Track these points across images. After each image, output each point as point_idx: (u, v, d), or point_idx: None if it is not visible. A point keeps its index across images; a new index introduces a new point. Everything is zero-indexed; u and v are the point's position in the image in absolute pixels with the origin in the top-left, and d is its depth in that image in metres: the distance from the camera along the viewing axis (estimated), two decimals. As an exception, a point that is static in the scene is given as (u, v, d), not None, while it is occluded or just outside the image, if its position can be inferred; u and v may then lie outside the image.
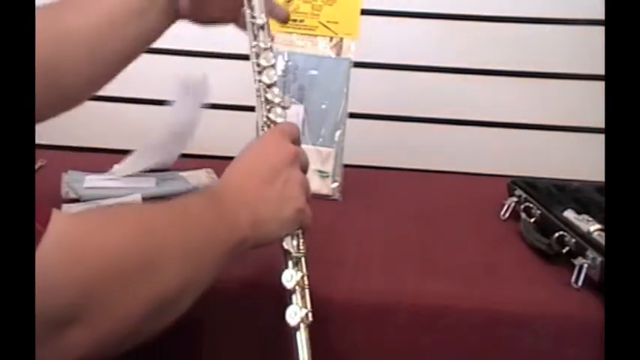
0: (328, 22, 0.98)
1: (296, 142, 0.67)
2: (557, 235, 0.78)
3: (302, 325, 0.62)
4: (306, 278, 0.64)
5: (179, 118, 0.93)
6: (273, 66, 0.69)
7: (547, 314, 0.68)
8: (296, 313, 0.62)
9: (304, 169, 0.66)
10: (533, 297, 0.70)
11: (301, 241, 0.65)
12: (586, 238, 0.74)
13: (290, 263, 0.64)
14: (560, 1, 1.16)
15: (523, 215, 0.87)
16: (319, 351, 0.62)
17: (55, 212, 0.45)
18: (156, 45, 1.07)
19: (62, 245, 0.44)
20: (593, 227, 0.77)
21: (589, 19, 1.12)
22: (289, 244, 0.64)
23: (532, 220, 0.85)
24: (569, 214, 0.82)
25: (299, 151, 0.65)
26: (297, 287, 0.63)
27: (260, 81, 0.68)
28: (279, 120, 0.68)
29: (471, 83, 1.18)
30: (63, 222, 0.45)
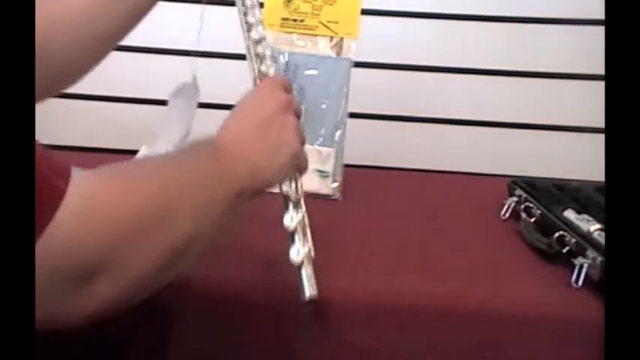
0: (328, 21, 0.98)
1: (288, 90, 0.69)
2: (557, 234, 0.78)
3: (306, 261, 0.66)
4: (306, 217, 0.68)
5: (173, 122, 0.94)
6: (260, 22, 0.71)
7: (547, 314, 0.68)
8: (299, 251, 0.66)
9: (298, 115, 0.68)
10: (533, 297, 0.70)
11: (299, 183, 0.69)
12: (586, 237, 0.74)
13: (290, 206, 0.68)
14: (560, 1, 1.15)
15: (523, 215, 0.87)
16: (318, 351, 0.62)
17: (74, 170, 0.47)
18: (155, 45, 1.07)
19: (84, 202, 0.46)
20: (593, 227, 0.77)
21: (589, 19, 1.12)
22: (288, 187, 0.68)
23: (532, 219, 0.85)
24: (570, 214, 0.82)
25: (291, 99, 0.68)
26: (298, 227, 0.67)
27: (249, 37, 0.71)
28: (270, 71, 0.71)
29: (471, 83, 1.18)
30: (83, 180, 0.47)
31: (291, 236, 0.67)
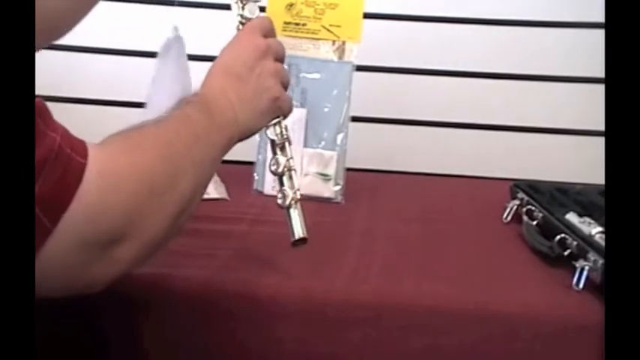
0: (331, 25, 0.98)
1: (268, 34, 0.70)
2: (559, 237, 0.77)
3: (293, 203, 0.70)
4: (291, 161, 0.72)
5: (168, 78, 0.94)
6: None
7: (548, 316, 0.68)
8: (286, 195, 0.70)
9: (279, 59, 0.70)
10: (535, 299, 0.70)
11: (283, 126, 0.71)
12: (588, 240, 0.74)
13: (277, 150, 0.71)
14: (561, 4, 1.16)
15: (525, 218, 0.87)
16: (316, 351, 0.62)
17: (89, 145, 0.49)
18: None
19: (102, 175, 0.48)
20: (594, 230, 0.77)
21: (590, 22, 1.12)
22: (272, 132, 0.71)
23: (534, 222, 0.85)
24: (572, 217, 0.82)
25: (270, 43, 0.69)
26: (285, 170, 0.71)
27: None
28: (254, 15, 0.72)
29: (473, 86, 1.19)
30: (98, 154, 0.49)
31: (278, 179, 0.71)
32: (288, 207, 0.70)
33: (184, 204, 0.56)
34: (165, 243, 0.57)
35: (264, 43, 0.68)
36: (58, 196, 0.45)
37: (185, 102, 0.63)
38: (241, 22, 0.72)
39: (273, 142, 0.72)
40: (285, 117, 0.72)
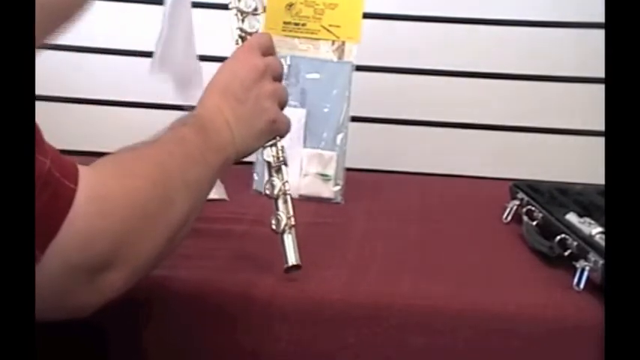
0: (330, 25, 0.98)
1: (267, 52, 0.69)
2: (559, 238, 0.77)
3: (287, 229, 0.68)
4: (287, 185, 0.70)
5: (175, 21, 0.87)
6: None
7: (548, 317, 0.68)
8: (280, 220, 0.68)
9: (278, 78, 0.69)
10: (535, 299, 0.70)
11: (280, 149, 0.70)
12: (588, 241, 0.74)
13: (273, 172, 0.70)
14: (561, 4, 1.16)
15: (525, 218, 0.87)
16: (313, 351, 0.62)
17: (81, 169, 0.48)
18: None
19: (93, 200, 0.47)
20: (595, 230, 0.76)
21: (590, 22, 1.12)
22: (268, 154, 0.70)
23: (534, 223, 0.85)
24: (572, 217, 0.82)
25: (268, 63, 0.68)
26: (280, 194, 0.69)
27: None
28: (253, 30, 0.71)
29: (472, 86, 1.18)
30: (89, 177, 0.48)
31: (274, 203, 0.69)
32: (282, 232, 0.68)
33: (177, 227, 0.56)
34: (157, 265, 0.56)
35: (263, 63, 0.67)
36: (47, 221, 0.44)
37: (180, 122, 0.62)
38: (240, 37, 0.71)
39: (269, 164, 0.70)
40: (281, 138, 0.70)
